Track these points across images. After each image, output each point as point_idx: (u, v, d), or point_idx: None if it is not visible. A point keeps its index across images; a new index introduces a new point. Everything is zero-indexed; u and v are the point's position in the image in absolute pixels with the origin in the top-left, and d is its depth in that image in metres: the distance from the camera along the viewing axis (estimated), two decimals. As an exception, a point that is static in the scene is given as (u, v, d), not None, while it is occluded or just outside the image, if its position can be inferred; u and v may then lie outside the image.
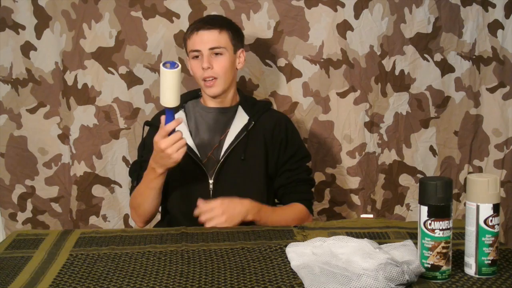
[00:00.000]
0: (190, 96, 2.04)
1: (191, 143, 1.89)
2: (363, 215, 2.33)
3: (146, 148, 1.93)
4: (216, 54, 1.90)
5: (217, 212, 1.71)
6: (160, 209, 1.96)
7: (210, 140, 1.92)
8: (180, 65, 1.66)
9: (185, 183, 1.88)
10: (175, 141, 1.70)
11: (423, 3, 2.25)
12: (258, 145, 1.92)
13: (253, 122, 1.92)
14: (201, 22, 1.93)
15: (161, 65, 1.66)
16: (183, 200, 1.89)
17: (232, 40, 1.93)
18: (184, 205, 1.87)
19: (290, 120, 2.06)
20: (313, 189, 2.01)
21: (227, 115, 1.96)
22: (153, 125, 1.93)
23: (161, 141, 1.70)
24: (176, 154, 1.71)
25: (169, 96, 1.68)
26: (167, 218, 1.95)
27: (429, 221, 1.24)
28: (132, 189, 1.96)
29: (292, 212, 1.90)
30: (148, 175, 1.81)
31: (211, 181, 1.88)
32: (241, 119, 1.94)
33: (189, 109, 1.98)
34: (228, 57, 1.92)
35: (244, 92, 2.10)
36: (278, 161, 1.94)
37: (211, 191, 1.88)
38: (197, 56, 1.91)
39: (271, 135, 1.94)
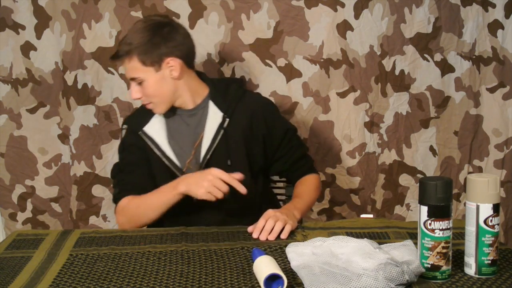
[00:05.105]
0: None
1: (170, 152, 1.83)
2: (363, 215, 2.33)
3: (125, 150, 1.89)
4: (139, 82, 1.79)
5: (273, 218, 1.59)
6: None
7: (185, 145, 1.85)
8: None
9: None
10: (225, 180, 1.65)
11: (423, 3, 2.25)
12: (238, 144, 1.84)
13: (227, 119, 1.83)
14: (115, 52, 1.81)
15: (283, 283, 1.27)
16: (168, 210, 1.81)
17: (145, 62, 1.76)
18: (169, 213, 1.80)
19: (266, 104, 1.94)
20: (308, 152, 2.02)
21: (197, 116, 1.86)
22: (133, 127, 1.88)
23: (220, 172, 1.67)
24: (209, 185, 1.65)
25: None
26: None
27: (429, 221, 1.24)
28: (117, 195, 1.85)
29: (309, 187, 1.90)
30: (165, 190, 1.75)
31: None
32: (214, 117, 1.83)
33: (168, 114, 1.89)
34: (150, 81, 1.78)
35: (213, 78, 1.98)
36: (266, 151, 1.89)
37: (194, 198, 1.77)
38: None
39: (250, 130, 1.86)
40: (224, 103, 1.85)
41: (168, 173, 1.82)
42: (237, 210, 1.84)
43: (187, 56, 1.83)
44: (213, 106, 1.85)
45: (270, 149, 1.90)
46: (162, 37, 1.77)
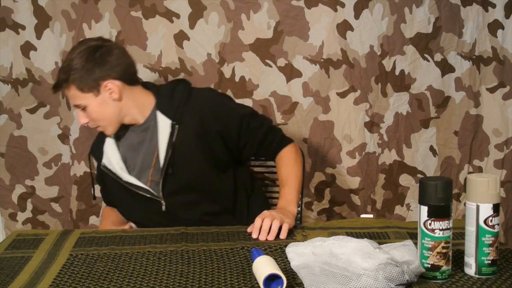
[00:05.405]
0: None
1: (129, 178, 1.83)
2: (363, 215, 2.33)
3: (96, 171, 1.98)
4: (83, 108, 1.79)
5: (270, 218, 1.58)
6: None
7: (145, 160, 1.84)
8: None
9: (137, 208, 1.87)
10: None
11: (423, 3, 2.25)
12: (193, 148, 1.81)
13: (177, 126, 1.79)
14: (55, 82, 1.81)
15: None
16: (140, 221, 1.89)
17: (82, 89, 1.75)
18: (141, 225, 1.87)
19: (213, 99, 1.88)
20: (273, 124, 1.96)
21: (149, 129, 1.83)
22: (96, 158, 1.93)
23: None
24: None
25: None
26: None
27: (429, 221, 1.24)
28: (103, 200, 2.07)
29: (289, 165, 1.85)
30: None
31: (163, 202, 1.83)
32: (164, 128, 1.80)
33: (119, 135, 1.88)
34: (92, 106, 1.77)
35: (158, 85, 1.94)
36: (228, 145, 1.85)
37: (163, 207, 1.83)
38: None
39: (203, 129, 1.81)
40: (171, 109, 1.81)
41: (137, 195, 1.84)
42: (212, 208, 1.86)
43: (125, 75, 1.81)
44: (161, 116, 1.81)
45: (230, 141, 1.86)
46: (95, 62, 1.75)
